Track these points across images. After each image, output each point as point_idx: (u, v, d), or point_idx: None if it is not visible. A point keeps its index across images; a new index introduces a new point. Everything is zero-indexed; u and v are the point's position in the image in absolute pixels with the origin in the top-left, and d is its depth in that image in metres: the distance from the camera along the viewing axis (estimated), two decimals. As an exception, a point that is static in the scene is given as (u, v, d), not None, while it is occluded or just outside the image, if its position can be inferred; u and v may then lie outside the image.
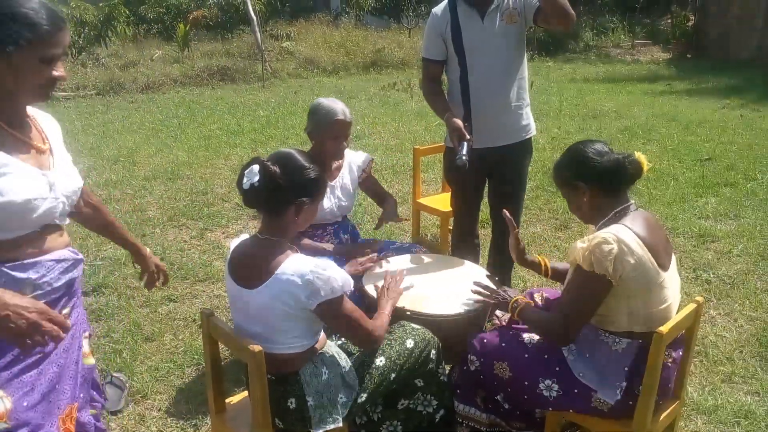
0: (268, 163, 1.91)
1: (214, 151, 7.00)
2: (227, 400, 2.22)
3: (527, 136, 3.17)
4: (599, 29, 17.12)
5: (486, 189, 3.35)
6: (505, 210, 2.51)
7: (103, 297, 3.73)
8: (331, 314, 1.93)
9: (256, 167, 1.90)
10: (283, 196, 1.93)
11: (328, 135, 2.82)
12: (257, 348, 1.82)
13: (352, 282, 1.98)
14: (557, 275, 2.51)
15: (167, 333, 3.33)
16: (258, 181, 1.88)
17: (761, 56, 13.56)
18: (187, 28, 13.58)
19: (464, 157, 2.74)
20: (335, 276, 1.89)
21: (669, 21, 17.30)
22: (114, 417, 2.69)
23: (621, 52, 16.04)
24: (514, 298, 2.28)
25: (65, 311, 1.73)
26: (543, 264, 2.50)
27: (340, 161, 3.03)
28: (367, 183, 3.15)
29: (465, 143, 2.78)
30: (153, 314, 3.53)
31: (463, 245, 3.38)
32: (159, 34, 15.19)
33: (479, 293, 2.40)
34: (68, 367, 1.71)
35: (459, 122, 2.84)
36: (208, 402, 2.19)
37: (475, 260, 3.29)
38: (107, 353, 3.13)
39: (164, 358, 3.11)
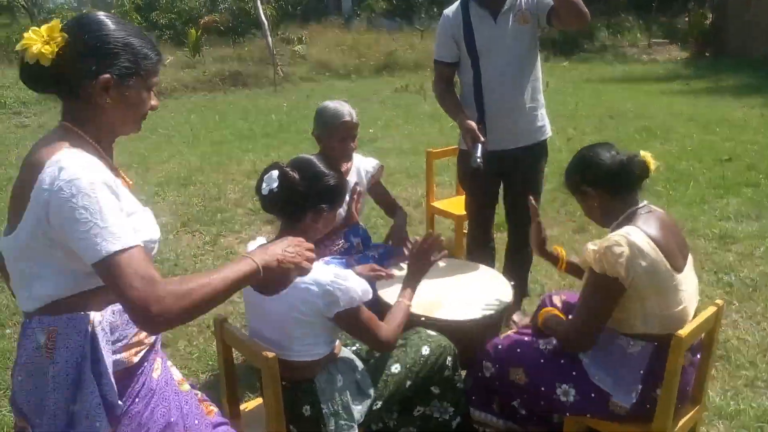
0: (288, 169, 1.90)
1: (227, 156, 7.02)
2: (242, 407, 2.20)
3: (542, 138, 3.13)
4: (615, 29, 16.99)
5: (501, 192, 3.30)
6: (531, 197, 2.47)
7: (117, 303, 3.73)
8: (348, 323, 1.92)
9: (275, 173, 1.89)
10: (302, 203, 1.92)
11: (335, 137, 2.81)
12: (271, 354, 1.79)
13: (371, 291, 1.97)
14: (573, 269, 2.49)
15: (181, 339, 3.32)
16: (277, 186, 1.87)
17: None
18: (199, 34, 13.68)
19: (479, 160, 2.72)
20: (355, 287, 1.88)
21: (686, 19, 17.12)
22: (128, 424, 2.68)
23: (637, 51, 15.91)
24: (544, 310, 2.27)
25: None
26: (561, 257, 2.47)
27: (349, 164, 3.01)
28: (376, 190, 3.13)
29: (479, 145, 2.75)
30: (167, 320, 3.51)
31: (477, 249, 3.34)
32: (170, 40, 15.31)
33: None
34: None
35: (473, 124, 2.82)
36: (223, 408, 2.17)
37: (491, 264, 3.25)
38: (121, 360, 3.12)
39: (178, 365, 3.09)
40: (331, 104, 2.85)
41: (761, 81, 11.04)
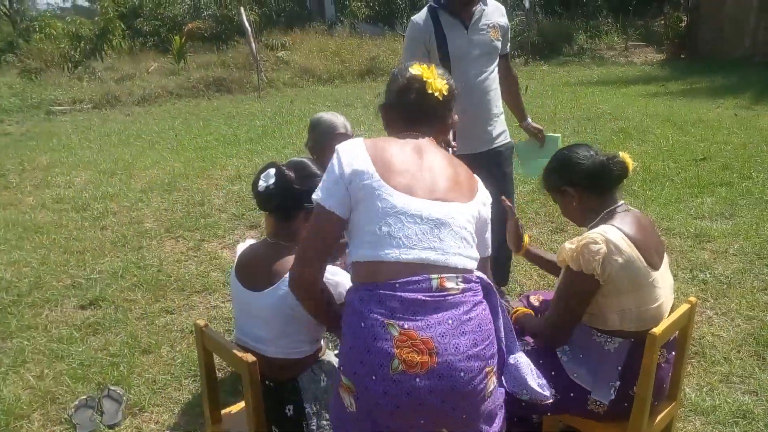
0: (284, 168, 1.99)
1: (211, 161, 7.02)
2: (224, 411, 2.22)
3: (507, 141, 3.33)
4: (593, 32, 17.17)
5: None
6: (503, 197, 2.51)
7: (100, 310, 3.73)
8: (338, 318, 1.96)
9: (272, 171, 1.98)
10: (296, 201, 1.99)
11: (329, 149, 2.77)
12: (251, 358, 1.82)
13: None
14: (534, 258, 2.56)
15: (164, 345, 3.33)
16: (273, 184, 1.96)
17: (754, 55, 13.61)
18: (183, 40, 13.66)
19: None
20: (344, 281, 1.92)
21: (662, 22, 17.35)
22: (111, 431, 2.69)
23: (615, 54, 16.09)
24: (514, 309, 2.30)
25: None
26: (524, 242, 2.53)
27: None
28: None
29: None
30: (150, 326, 3.53)
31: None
32: (155, 47, 15.26)
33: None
34: None
35: None
36: (204, 413, 2.19)
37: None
38: (104, 366, 3.13)
39: (161, 371, 3.11)
40: (326, 116, 2.84)
41: (734, 82, 11.22)
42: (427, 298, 1.49)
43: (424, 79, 1.77)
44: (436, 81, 1.77)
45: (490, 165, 3.18)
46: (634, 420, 2.00)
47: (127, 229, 5.02)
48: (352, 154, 1.65)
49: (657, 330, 1.90)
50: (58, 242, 4.78)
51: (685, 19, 15.88)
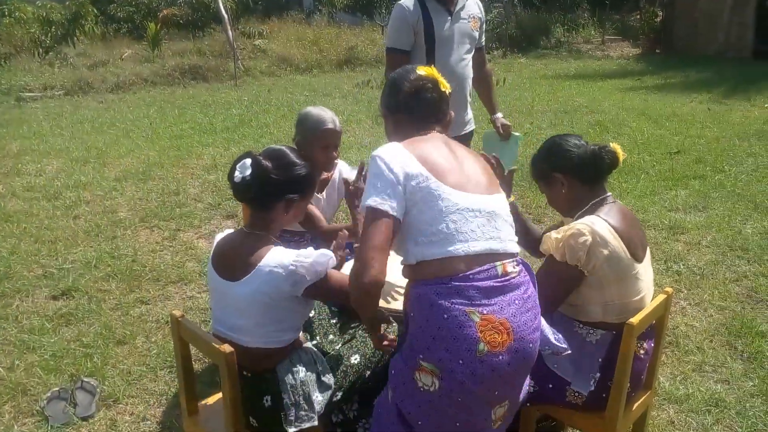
0: (261, 158, 1.94)
1: (186, 150, 6.92)
2: (201, 402, 2.19)
3: (473, 127, 3.58)
4: (570, 25, 17.28)
5: None
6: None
7: (73, 300, 3.66)
8: (321, 293, 1.97)
9: (248, 161, 1.93)
10: (274, 191, 1.96)
11: (317, 145, 2.71)
12: (228, 348, 1.80)
13: (333, 257, 1.97)
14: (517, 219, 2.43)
15: (139, 336, 3.28)
16: (249, 174, 1.91)
17: (728, 51, 13.84)
18: (158, 27, 13.40)
19: None
20: (318, 260, 1.90)
21: (638, 17, 17.53)
22: (85, 423, 2.65)
23: (592, 47, 16.21)
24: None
25: None
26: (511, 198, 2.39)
27: (330, 173, 2.95)
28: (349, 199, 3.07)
29: None
30: (125, 317, 3.47)
31: None
32: (129, 33, 14.95)
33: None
34: None
35: None
36: (180, 404, 2.16)
37: None
38: (77, 357, 3.07)
39: (136, 362, 3.07)
40: (314, 110, 2.75)
41: (708, 77, 11.39)
42: (497, 284, 1.66)
43: (435, 78, 1.92)
44: (442, 79, 1.93)
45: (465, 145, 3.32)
46: (610, 409, 2.02)
47: (101, 219, 4.93)
48: (401, 158, 1.71)
49: (634, 320, 1.92)
50: (29, 231, 4.67)
51: (661, 14, 16.08)
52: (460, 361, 1.60)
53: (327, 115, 2.73)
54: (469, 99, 3.42)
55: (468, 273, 1.64)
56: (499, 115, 3.63)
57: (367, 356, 2.16)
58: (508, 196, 2.48)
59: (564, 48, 16.07)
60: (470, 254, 1.65)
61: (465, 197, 1.71)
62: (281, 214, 1.99)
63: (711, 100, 9.35)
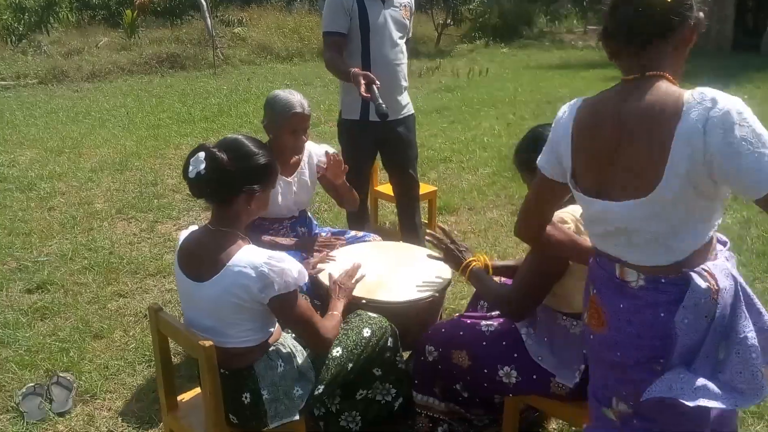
0: (215, 150, 1.84)
1: (164, 140, 6.81)
2: (180, 397, 2.15)
3: (411, 112, 3.65)
4: (553, 15, 17.30)
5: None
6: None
7: (48, 294, 3.58)
8: (283, 310, 1.89)
9: (201, 154, 1.82)
10: (232, 184, 1.86)
11: (285, 129, 2.69)
12: (208, 343, 1.76)
13: (306, 275, 1.94)
14: (501, 272, 2.43)
15: (117, 330, 3.22)
16: (204, 168, 1.80)
17: (708, 43, 13.96)
18: (135, 14, 13.16)
19: (383, 104, 2.96)
20: (290, 268, 1.83)
21: (619, 7, 17.57)
22: (61, 419, 2.59)
23: (574, 37, 16.26)
24: (469, 259, 2.23)
25: None
26: (486, 266, 2.34)
27: (300, 156, 2.93)
28: (326, 179, 3.06)
29: (376, 89, 3.00)
30: (102, 311, 3.41)
31: (358, 216, 3.61)
32: (104, 21, 14.65)
33: (433, 239, 2.35)
34: None
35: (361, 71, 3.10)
36: (160, 400, 2.12)
37: (365, 221, 3.69)
38: (53, 352, 3.01)
39: (114, 356, 3.01)
40: (282, 94, 2.73)
41: (689, 69, 10.89)
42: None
43: None
44: None
45: (402, 130, 3.57)
46: (594, 400, 2.01)
47: (77, 210, 4.83)
48: None
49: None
50: (3, 224, 4.57)
51: (641, 4, 16.13)
52: None
53: (295, 98, 2.70)
54: (404, 84, 3.52)
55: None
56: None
57: (349, 349, 2.14)
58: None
59: (547, 38, 16.10)
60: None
61: None
62: (244, 208, 1.90)
63: (692, 88, 9.42)
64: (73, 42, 12.43)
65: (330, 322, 2.07)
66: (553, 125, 1.65)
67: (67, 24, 13.46)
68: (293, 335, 2.19)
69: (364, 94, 3.00)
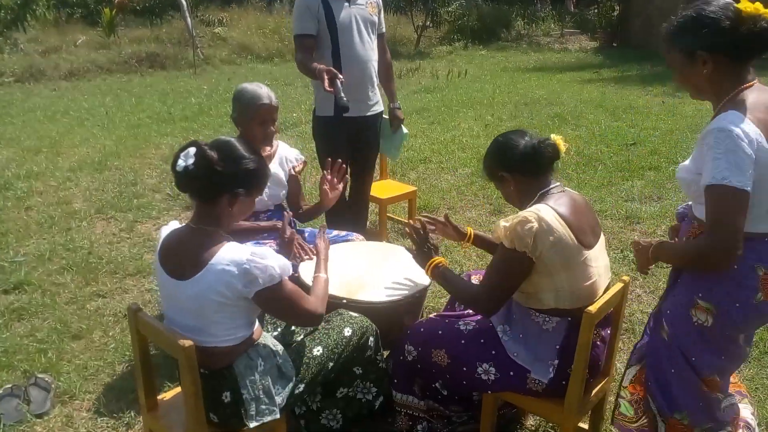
0: (206, 148, 1.86)
1: (144, 140, 6.76)
2: (159, 397, 2.15)
3: (381, 109, 3.71)
4: (530, 18, 17.46)
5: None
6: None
7: (25, 295, 3.55)
8: (270, 301, 1.89)
9: (192, 150, 1.84)
10: (218, 184, 1.87)
11: (254, 120, 2.77)
12: (188, 343, 1.76)
13: (290, 267, 1.95)
14: (480, 242, 2.60)
15: (96, 330, 3.21)
16: (193, 164, 1.82)
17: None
18: (113, 13, 13.02)
19: (344, 98, 3.02)
20: (273, 263, 1.85)
21: (596, 11, 17.81)
22: (39, 420, 2.58)
23: (551, 40, 16.41)
24: (435, 259, 2.27)
25: None
26: (468, 233, 2.59)
27: (272, 150, 2.98)
28: (292, 183, 3.09)
29: (338, 83, 3.05)
30: (80, 311, 3.38)
31: (337, 214, 3.62)
32: (83, 19, 14.47)
33: (411, 230, 2.38)
34: None
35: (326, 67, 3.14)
36: (139, 400, 2.12)
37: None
38: (31, 353, 2.99)
39: (93, 356, 2.99)
40: (249, 87, 2.79)
41: (662, 71, 11.61)
42: None
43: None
44: None
45: (373, 127, 3.68)
46: (570, 395, 2.06)
47: (55, 210, 4.79)
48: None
49: (592, 308, 1.96)
50: (-22, 223, 4.51)
51: (617, 8, 16.36)
52: (737, 305, 1.84)
53: (263, 91, 2.76)
54: (375, 80, 3.58)
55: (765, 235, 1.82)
56: (396, 104, 3.86)
57: (330, 348, 2.16)
58: (462, 237, 2.57)
59: (524, 40, 16.24)
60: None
61: None
62: (225, 210, 1.91)
63: (665, 93, 9.57)
64: (50, 40, 12.27)
65: (317, 292, 2.08)
66: (738, 144, 1.69)
67: (45, 22, 13.27)
68: (273, 333, 2.20)
69: (328, 89, 3.04)
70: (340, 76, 3.07)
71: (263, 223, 2.87)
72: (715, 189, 1.71)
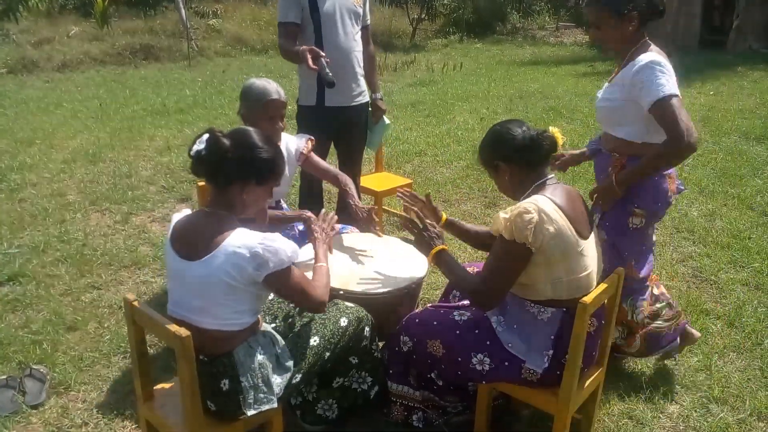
0: (219, 135, 1.90)
1: (138, 132, 6.74)
2: (156, 387, 2.16)
3: (367, 99, 3.75)
4: (525, 12, 17.43)
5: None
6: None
7: (20, 286, 3.54)
8: (279, 284, 1.93)
9: (206, 136, 1.90)
10: (228, 170, 1.91)
11: (262, 116, 2.72)
12: (185, 332, 1.76)
13: (299, 252, 1.98)
14: (453, 229, 2.59)
15: (91, 321, 3.20)
16: (205, 149, 1.88)
17: (675, 39, 14.20)
18: (106, 4, 12.91)
19: (329, 73, 3.06)
20: (284, 247, 1.88)
21: (592, 4, 17.75)
22: (35, 411, 2.57)
23: (546, 34, 16.41)
24: (439, 246, 2.27)
25: None
26: (443, 218, 2.58)
27: (277, 144, 2.94)
28: (309, 164, 3.09)
29: (323, 60, 3.09)
30: (75, 303, 3.38)
31: (311, 198, 3.71)
32: (75, 10, 14.35)
33: (406, 222, 2.38)
34: None
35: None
36: (135, 390, 2.12)
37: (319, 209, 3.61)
38: (26, 345, 2.98)
39: (89, 348, 2.99)
40: (258, 82, 2.76)
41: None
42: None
43: None
44: None
45: (358, 117, 3.70)
46: (564, 385, 2.08)
47: (49, 202, 4.77)
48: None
49: (587, 299, 1.97)
50: (-28, 215, 4.49)
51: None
52: (659, 204, 2.51)
53: (271, 86, 2.74)
54: (358, 71, 3.60)
55: None
56: (378, 95, 3.86)
57: (326, 338, 2.17)
58: (437, 220, 2.56)
59: (519, 34, 16.22)
60: None
61: None
62: (238, 197, 1.95)
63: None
64: (43, 31, 12.16)
65: (320, 281, 2.11)
66: (669, 69, 2.36)
67: (37, 13, 13.15)
68: (272, 325, 2.21)
69: (312, 66, 3.07)
70: (323, 54, 3.10)
71: (290, 213, 2.87)
72: (666, 100, 2.29)
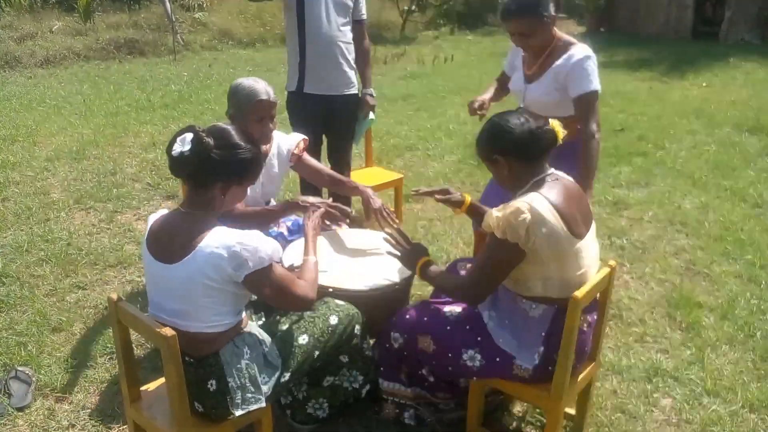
0: (203, 134, 1.84)
1: (123, 128, 6.64)
2: (143, 388, 2.11)
3: (355, 92, 3.72)
4: (516, 3, 17.38)
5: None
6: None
7: (3, 287, 3.47)
8: (260, 285, 1.87)
9: (189, 135, 1.82)
10: (212, 171, 1.86)
11: (251, 117, 2.63)
12: (170, 332, 1.72)
13: (281, 250, 1.93)
14: (477, 214, 2.56)
15: (77, 322, 3.14)
16: (189, 150, 1.81)
17: (668, 31, 14.23)
18: (90, -2, 12.74)
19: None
20: (263, 246, 1.84)
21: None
22: (21, 413, 2.52)
23: (537, 25, 16.37)
24: (424, 259, 2.26)
25: None
26: (465, 200, 2.56)
27: (268, 146, 2.87)
28: (302, 165, 3.01)
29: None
30: (60, 303, 3.32)
31: (307, 191, 3.64)
32: (58, 5, 14.16)
33: (389, 239, 2.37)
34: None
35: None
36: (122, 391, 2.08)
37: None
38: (10, 346, 2.92)
39: (74, 349, 2.94)
40: (246, 82, 2.66)
41: (650, 56, 11.68)
42: None
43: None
44: None
45: (345, 108, 3.69)
46: (556, 381, 2.05)
47: (32, 200, 4.68)
48: None
49: (579, 293, 1.95)
50: (-47, 214, 4.40)
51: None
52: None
53: (260, 86, 2.64)
54: (344, 62, 3.58)
55: None
56: (368, 92, 3.81)
57: (316, 336, 2.13)
58: (459, 205, 2.55)
59: (510, 26, 16.17)
60: None
61: None
62: (218, 197, 1.90)
63: (652, 78, 9.60)
64: (25, 26, 11.98)
65: (307, 276, 2.05)
66: (596, 64, 2.50)
67: (19, 8, 12.95)
68: (259, 323, 2.17)
69: None
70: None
71: (271, 207, 2.81)
72: (592, 95, 2.67)
